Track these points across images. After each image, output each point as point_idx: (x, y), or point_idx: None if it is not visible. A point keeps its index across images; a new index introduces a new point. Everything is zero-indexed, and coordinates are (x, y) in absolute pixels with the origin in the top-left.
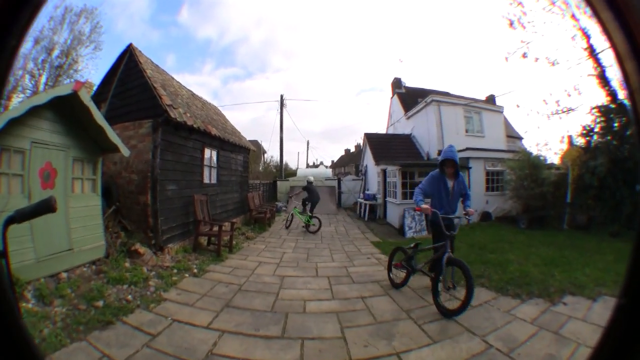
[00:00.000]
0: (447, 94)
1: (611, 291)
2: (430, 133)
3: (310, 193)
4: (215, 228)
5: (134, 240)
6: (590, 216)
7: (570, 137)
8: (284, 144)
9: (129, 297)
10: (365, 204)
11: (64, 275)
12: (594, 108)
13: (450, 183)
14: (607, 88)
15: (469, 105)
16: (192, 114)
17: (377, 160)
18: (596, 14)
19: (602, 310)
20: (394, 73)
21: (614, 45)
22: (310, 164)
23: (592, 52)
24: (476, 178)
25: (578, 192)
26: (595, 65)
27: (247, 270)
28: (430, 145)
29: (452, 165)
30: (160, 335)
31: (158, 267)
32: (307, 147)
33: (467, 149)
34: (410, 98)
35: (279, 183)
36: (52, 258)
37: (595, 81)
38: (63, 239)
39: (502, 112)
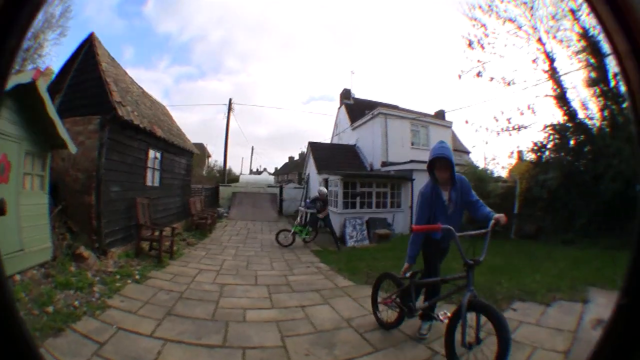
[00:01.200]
0: (395, 107)
1: (567, 296)
2: (375, 144)
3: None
4: (157, 233)
5: (78, 243)
6: (539, 226)
7: (520, 152)
8: (230, 148)
9: (76, 303)
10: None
11: (18, 277)
12: (548, 126)
13: (445, 194)
14: (565, 108)
15: (417, 119)
16: (140, 112)
17: (320, 169)
18: (596, 14)
19: (558, 314)
20: (345, 83)
21: (614, 45)
22: (254, 170)
23: (554, 74)
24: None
25: (526, 204)
26: (556, 86)
27: (188, 278)
28: (374, 157)
29: (446, 167)
30: (108, 344)
31: (102, 272)
32: (252, 153)
33: (412, 161)
34: (357, 109)
35: (221, 188)
36: (7, 259)
37: (552, 101)
38: (15, 238)
39: (450, 127)
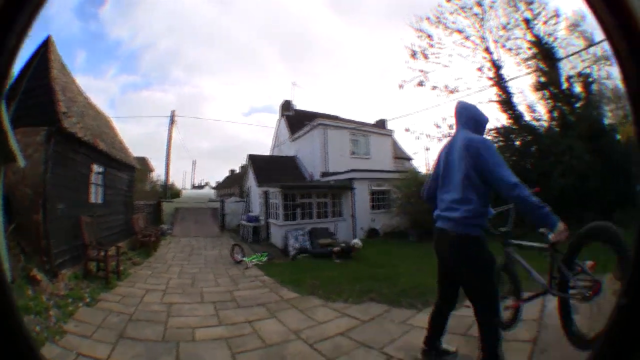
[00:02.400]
0: (336, 118)
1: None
2: (314, 155)
3: None
4: (103, 253)
5: (31, 265)
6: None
7: None
8: (173, 162)
9: (37, 328)
10: (249, 226)
11: None
12: (491, 130)
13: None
14: (510, 112)
15: (357, 129)
16: (84, 124)
17: (260, 181)
18: (596, 14)
19: None
20: (286, 95)
21: (614, 45)
22: (196, 184)
23: (500, 81)
24: (361, 198)
25: None
26: (501, 92)
27: (136, 299)
28: (314, 167)
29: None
30: None
31: (55, 296)
32: (193, 167)
33: (352, 170)
34: (298, 121)
35: (163, 204)
36: None
37: (497, 106)
38: None
39: (391, 136)
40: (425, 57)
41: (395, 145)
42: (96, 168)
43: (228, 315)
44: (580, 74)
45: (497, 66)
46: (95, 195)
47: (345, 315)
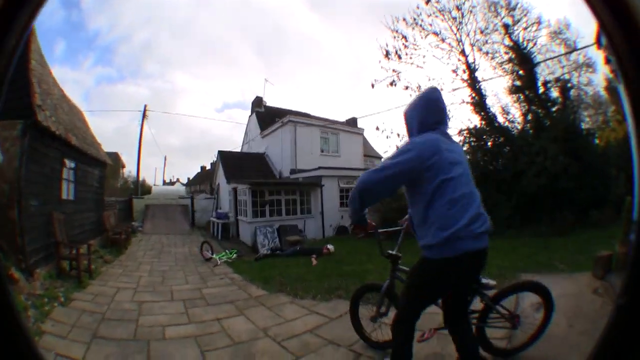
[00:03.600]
0: (306, 115)
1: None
2: (284, 152)
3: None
4: (75, 251)
5: (9, 263)
6: None
7: None
8: (145, 158)
9: None
10: (218, 223)
11: None
12: (463, 130)
13: None
14: (483, 114)
15: (327, 126)
16: (57, 118)
17: (229, 178)
18: (596, 14)
19: None
20: (258, 91)
21: (614, 45)
22: (168, 181)
23: (474, 83)
24: (330, 195)
25: None
26: (474, 94)
27: (108, 297)
28: (283, 164)
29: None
30: None
31: (32, 296)
32: (165, 163)
33: (320, 167)
34: (268, 117)
35: (134, 201)
36: None
37: (469, 108)
38: None
39: (361, 134)
40: (399, 57)
41: (365, 144)
42: (68, 163)
43: (197, 313)
44: (558, 79)
45: (471, 69)
46: (67, 192)
47: (313, 312)
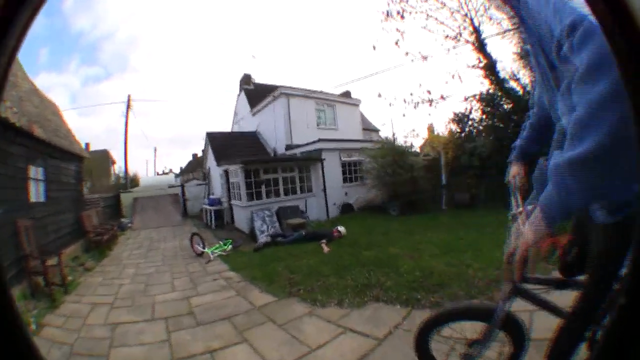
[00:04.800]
0: (299, 89)
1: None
2: (277, 128)
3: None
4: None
5: None
6: (473, 194)
7: (431, 125)
8: (135, 152)
9: None
10: (211, 210)
11: None
12: (471, 96)
13: None
14: (493, 78)
15: (322, 98)
16: (20, 110)
17: (219, 160)
18: (596, 14)
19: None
20: (246, 70)
21: (614, 45)
22: (160, 172)
23: (482, 47)
24: (332, 170)
25: (455, 174)
26: (483, 58)
27: (80, 320)
28: (277, 141)
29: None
30: None
31: None
32: (155, 154)
33: (320, 140)
34: (258, 95)
35: (122, 196)
36: None
37: (480, 72)
38: None
39: (358, 105)
40: (402, 17)
41: (362, 117)
42: (35, 160)
43: (182, 340)
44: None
45: (477, 30)
46: (36, 193)
47: (346, 329)
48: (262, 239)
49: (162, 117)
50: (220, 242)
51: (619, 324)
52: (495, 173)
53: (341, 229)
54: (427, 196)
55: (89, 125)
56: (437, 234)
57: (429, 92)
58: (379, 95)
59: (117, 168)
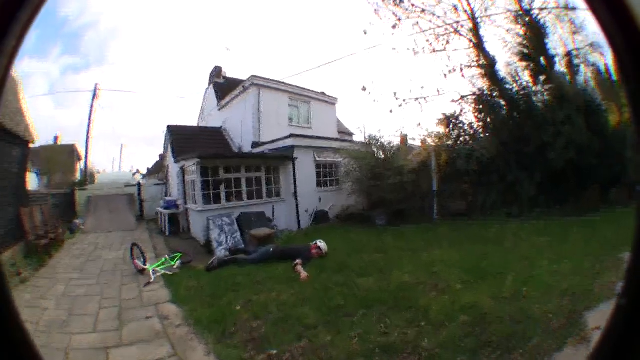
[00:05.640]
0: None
1: None
2: (246, 124)
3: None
4: None
5: None
6: (470, 203)
7: (404, 136)
8: (108, 149)
9: None
10: (166, 214)
11: None
12: (466, 97)
13: None
14: (493, 80)
15: (298, 94)
16: None
17: (177, 155)
18: (596, 14)
19: None
20: (221, 62)
21: (614, 45)
22: (129, 171)
23: (481, 47)
24: (306, 172)
25: (448, 180)
26: (483, 58)
27: None
28: (243, 138)
29: None
30: None
31: None
32: (122, 151)
33: (293, 136)
34: (229, 90)
35: (79, 192)
36: None
37: (478, 74)
38: None
39: (336, 106)
40: (398, 5)
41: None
42: None
43: None
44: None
45: (476, 25)
46: None
47: None
48: (219, 252)
49: (135, 115)
50: (167, 256)
51: (619, 324)
52: (497, 180)
53: (321, 245)
54: (416, 205)
55: (65, 116)
56: (446, 252)
57: (424, 89)
58: (364, 90)
59: (96, 166)
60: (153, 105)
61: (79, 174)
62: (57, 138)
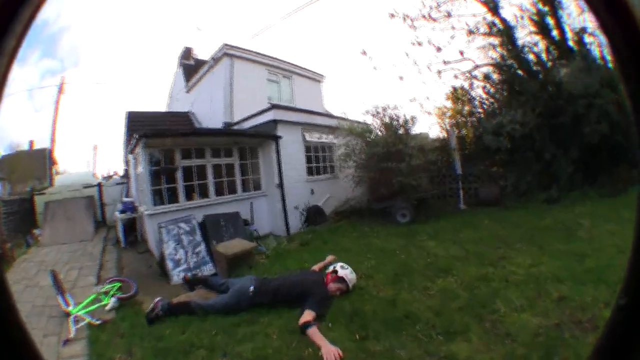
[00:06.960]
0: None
1: None
2: (215, 102)
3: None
4: None
5: None
6: (502, 187)
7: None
8: (79, 152)
9: None
10: (121, 220)
11: None
12: (480, 65)
13: None
14: (510, 47)
15: (277, 66)
16: None
17: (129, 143)
18: (596, 13)
19: None
20: (191, 43)
21: (614, 45)
22: (106, 175)
23: (496, 7)
24: (292, 155)
25: (472, 160)
26: (501, 24)
27: None
28: (212, 120)
29: None
30: None
31: None
32: (94, 153)
33: (274, 106)
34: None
35: (37, 198)
36: None
37: (494, 41)
38: None
39: (320, 82)
40: None
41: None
42: None
43: None
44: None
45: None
46: None
47: None
48: (176, 276)
49: (111, 116)
50: (100, 289)
51: (618, 324)
52: (533, 157)
53: (344, 272)
54: (443, 191)
55: (43, 122)
56: (536, 258)
57: (438, 48)
58: (363, 53)
59: (61, 170)
60: (137, 104)
61: (56, 180)
62: (31, 144)
